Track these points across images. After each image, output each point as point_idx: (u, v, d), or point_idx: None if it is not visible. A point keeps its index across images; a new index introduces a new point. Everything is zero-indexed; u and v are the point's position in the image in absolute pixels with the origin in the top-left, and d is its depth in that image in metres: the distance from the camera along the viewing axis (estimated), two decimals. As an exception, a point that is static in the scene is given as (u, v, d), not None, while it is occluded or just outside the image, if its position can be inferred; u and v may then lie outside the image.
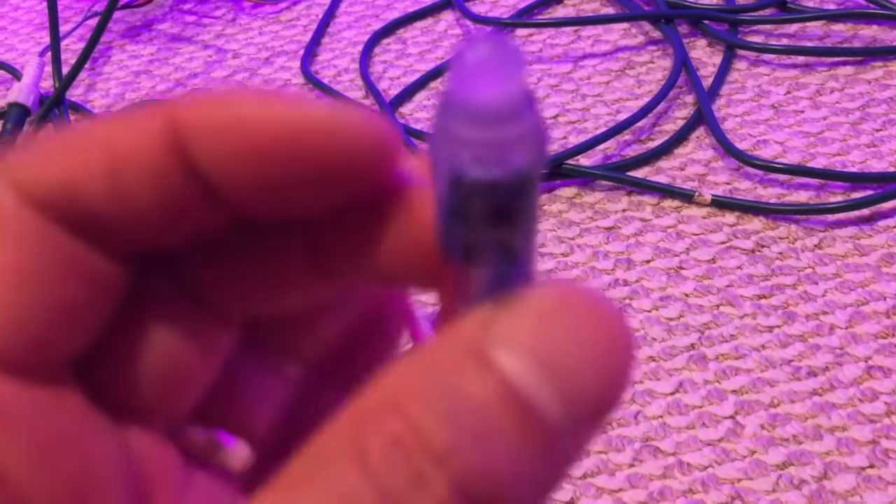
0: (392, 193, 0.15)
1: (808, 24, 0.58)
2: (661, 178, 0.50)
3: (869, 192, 0.48)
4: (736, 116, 0.53)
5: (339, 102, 0.15)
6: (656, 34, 0.59)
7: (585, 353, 0.13)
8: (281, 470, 0.13)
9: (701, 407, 0.41)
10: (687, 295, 0.45)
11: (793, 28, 0.58)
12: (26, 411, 0.14)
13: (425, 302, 0.21)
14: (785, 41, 0.57)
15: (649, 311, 0.44)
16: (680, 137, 0.52)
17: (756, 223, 0.48)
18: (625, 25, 0.60)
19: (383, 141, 0.15)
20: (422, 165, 0.16)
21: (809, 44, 0.57)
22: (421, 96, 0.58)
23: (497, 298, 0.13)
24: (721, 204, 0.48)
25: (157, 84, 0.61)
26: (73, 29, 0.63)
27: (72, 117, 0.58)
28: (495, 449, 0.12)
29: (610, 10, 0.62)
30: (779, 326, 0.43)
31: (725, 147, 0.51)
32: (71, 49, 0.63)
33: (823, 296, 0.44)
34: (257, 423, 0.18)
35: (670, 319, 0.44)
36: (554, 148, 0.53)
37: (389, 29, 0.62)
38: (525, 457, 0.12)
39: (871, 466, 0.38)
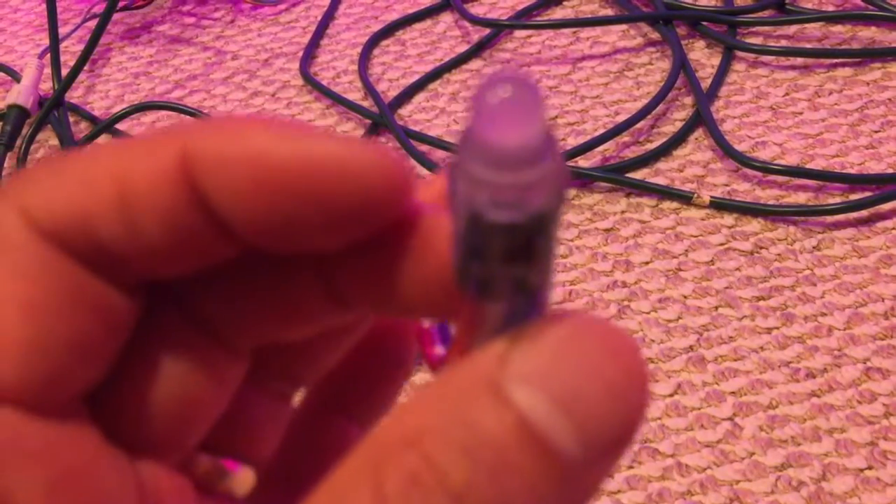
0: (406, 224, 0.15)
1: (806, 25, 0.58)
2: (660, 180, 0.50)
3: (867, 194, 0.48)
4: (734, 118, 0.53)
5: (350, 137, 0.15)
6: (655, 36, 0.59)
7: (601, 389, 0.12)
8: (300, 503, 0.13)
9: (699, 409, 0.41)
10: (685, 297, 0.45)
11: (791, 29, 0.58)
12: (40, 446, 0.14)
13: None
14: (783, 43, 0.57)
15: (648, 313, 0.44)
16: (678, 139, 0.52)
17: (755, 225, 0.48)
18: (623, 27, 0.60)
19: (396, 176, 0.15)
20: (435, 193, 0.16)
21: (808, 45, 0.57)
22: (420, 98, 0.58)
23: (513, 332, 0.13)
24: (720, 205, 0.48)
25: (157, 86, 0.61)
26: (73, 31, 0.63)
27: (71, 119, 0.58)
28: (512, 486, 0.12)
29: (609, 12, 0.62)
30: (777, 328, 0.43)
31: (724, 148, 0.51)
32: (70, 51, 0.63)
33: (822, 297, 0.44)
34: (262, 448, 0.18)
35: (669, 321, 0.44)
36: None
37: (388, 30, 0.62)
38: (541, 493, 0.12)
39: (870, 468, 0.38)
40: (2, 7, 0.69)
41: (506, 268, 0.13)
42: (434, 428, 0.12)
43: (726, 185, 0.50)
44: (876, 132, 0.52)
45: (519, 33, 0.61)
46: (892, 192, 0.47)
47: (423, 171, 0.53)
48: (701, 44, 0.58)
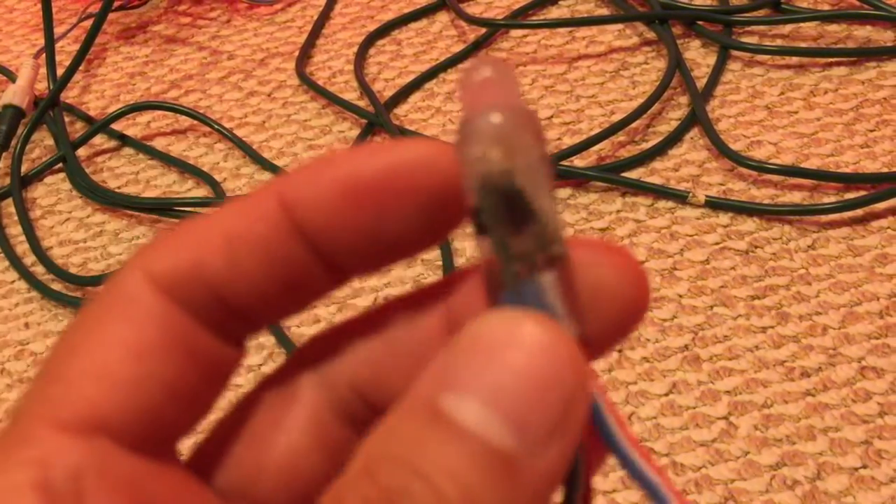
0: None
1: (801, 24, 0.58)
2: (655, 180, 0.50)
3: (862, 193, 0.48)
4: (730, 117, 0.53)
5: (406, 137, 0.16)
6: (650, 35, 0.59)
7: (523, 379, 0.13)
8: None
9: (694, 408, 0.41)
10: (681, 296, 0.45)
11: (787, 29, 0.58)
12: (128, 477, 0.14)
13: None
14: (779, 42, 0.58)
15: (643, 312, 0.44)
16: (674, 138, 0.52)
17: (750, 224, 0.48)
18: (619, 26, 0.60)
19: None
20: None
21: (803, 45, 0.57)
22: (416, 97, 0.58)
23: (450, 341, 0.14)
24: (715, 205, 0.48)
25: (152, 86, 0.61)
26: (68, 31, 0.63)
27: (66, 119, 0.58)
28: (465, 494, 0.13)
29: (604, 11, 0.62)
30: (772, 327, 0.43)
31: (719, 148, 0.51)
32: (66, 51, 0.63)
33: (817, 296, 0.44)
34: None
35: (664, 320, 0.44)
36: (548, 149, 0.53)
37: (384, 30, 0.62)
38: (492, 490, 0.13)
39: (864, 467, 0.38)
40: (-3, 7, 0.69)
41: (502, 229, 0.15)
42: (384, 456, 0.13)
43: (721, 185, 0.50)
44: (871, 131, 0.52)
45: (515, 33, 0.61)
46: (887, 192, 0.47)
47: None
48: (696, 43, 0.58)
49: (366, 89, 0.57)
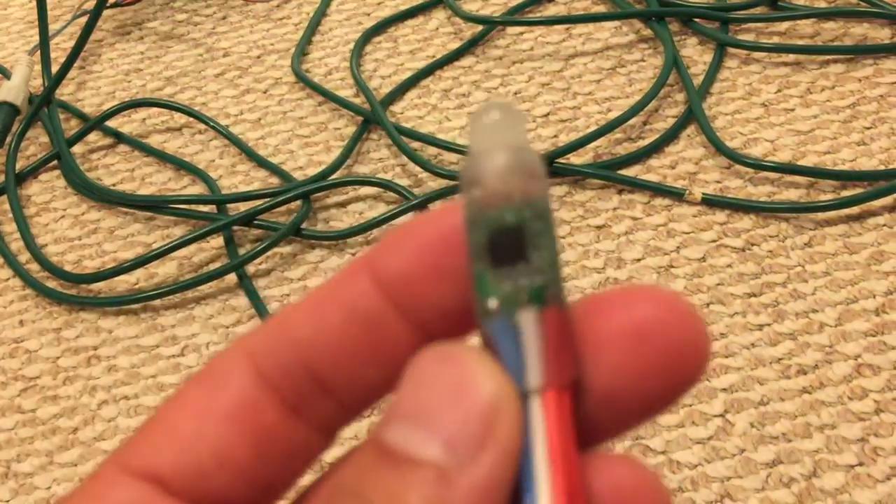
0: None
1: (798, 22, 0.58)
2: (652, 177, 0.50)
3: (859, 191, 0.48)
4: (727, 115, 0.53)
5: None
6: (647, 32, 0.59)
7: (444, 395, 0.14)
8: None
9: (690, 405, 0.41)
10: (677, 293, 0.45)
11: (783, 26, 0.58)
12: None
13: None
14: (776, 39, 0.57)
15: (639, 310, 0.44)
16: (671, 136, 0.52)
17: (746, 221, 0.48)
18: (616, 24, 0.60)
19: None
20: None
21: (800, 42, 0.57)
22: (412, 94, 0.57)
23: None
24: (711, 202, 0.48)
25: (148, 82, 0.61)
26: (63, 27, 0.63)
27: (61, 116, 0.58)
28: None
29: (601, 9, 0.62)
30: (768, 324, 0.43)
31: (716, 145, 0.51)
32: (61, 48, 0.63)
33: (813, 294, 0.44)
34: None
35: (660, 318, 0.44)
36: (545, 146, 0.53)
37: (380, 27, 0.62)
38: (427, 501, 0.14)
39: (861, 464, 0.38)
40: (-8, 3, 0.69)
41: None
42: (342, 490, 0.15)
43: (718, 182, 0.50)
44: (868, 129, 0.52)
45: (511, 30, 0.61)
46: (884, 189, 0.47)
47: (415, 169, 0.52)
48: (693, 40, 0.58)
49: (362, 86, 0.57)
